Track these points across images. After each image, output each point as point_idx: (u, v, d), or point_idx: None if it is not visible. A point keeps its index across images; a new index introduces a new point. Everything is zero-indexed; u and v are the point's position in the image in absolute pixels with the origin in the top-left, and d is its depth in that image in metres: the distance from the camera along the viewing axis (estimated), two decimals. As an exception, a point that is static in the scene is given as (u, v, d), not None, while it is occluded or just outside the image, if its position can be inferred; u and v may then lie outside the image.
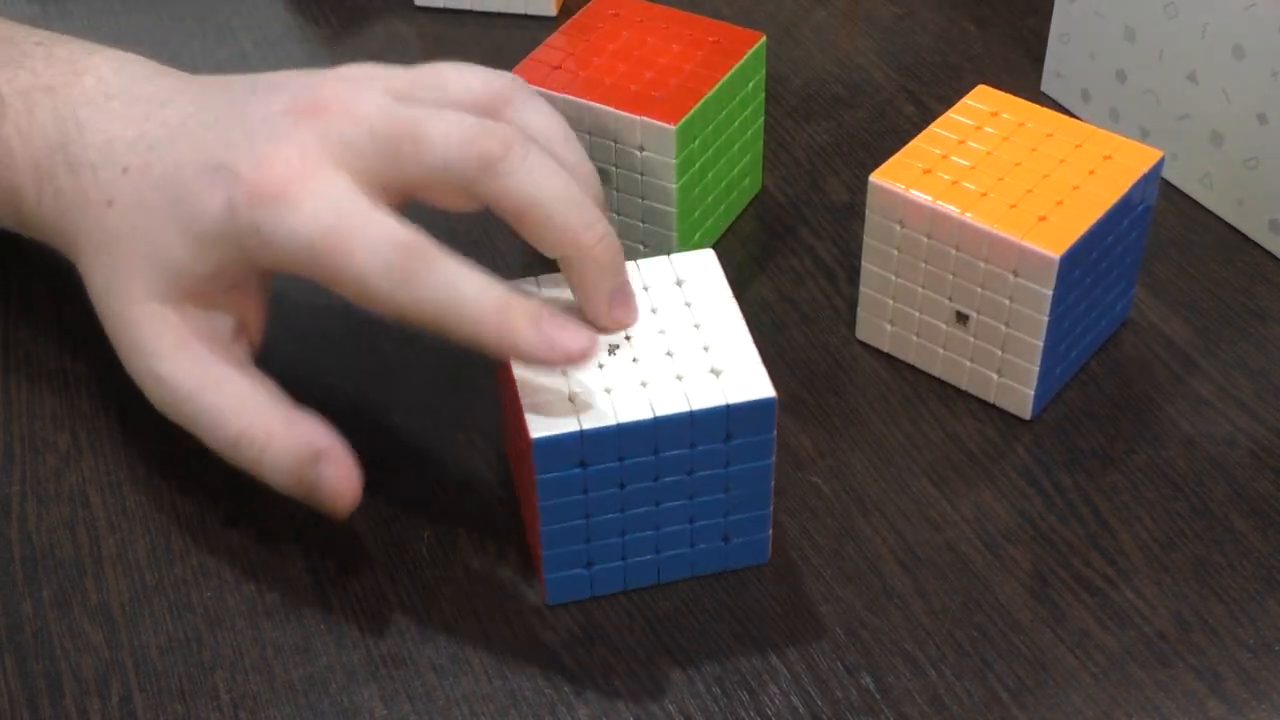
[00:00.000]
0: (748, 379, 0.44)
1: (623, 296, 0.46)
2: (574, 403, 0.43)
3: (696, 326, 0.45)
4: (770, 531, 0.47)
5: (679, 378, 0.44)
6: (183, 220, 0.45)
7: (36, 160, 0.49)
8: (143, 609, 0.46)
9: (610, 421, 0.43)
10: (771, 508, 0.46)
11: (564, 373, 0.44)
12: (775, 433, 0.44)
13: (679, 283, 0.47)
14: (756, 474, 0.45)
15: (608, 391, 0.43)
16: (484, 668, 0.45)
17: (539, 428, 0.42)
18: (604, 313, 0.45)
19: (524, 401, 0.43)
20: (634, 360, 0.44)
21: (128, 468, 0.50)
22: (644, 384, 0.44)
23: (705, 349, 0.45)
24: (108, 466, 0.51)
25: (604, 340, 0.45)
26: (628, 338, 0.45)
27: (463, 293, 0.43)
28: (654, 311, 0.46)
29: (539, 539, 0.45)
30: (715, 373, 0.44)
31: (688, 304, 0.46)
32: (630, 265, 0.47)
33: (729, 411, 0.43)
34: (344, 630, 0.46)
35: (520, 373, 0.44)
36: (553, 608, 0.46)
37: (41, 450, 0.51)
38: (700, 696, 0.44)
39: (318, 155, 0.44)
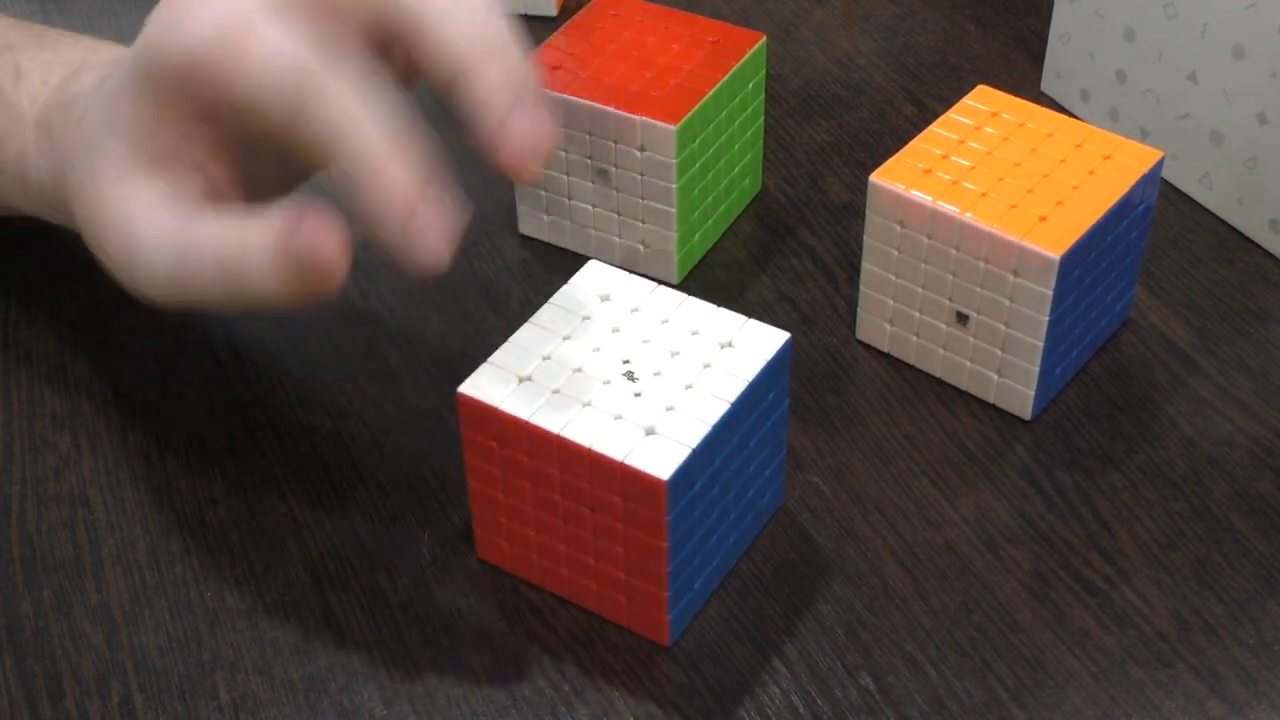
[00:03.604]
0: (758, 341, 0.44)
1: (529, 107, 0.39)
2: (652, 432, 0.41)
3: (687, 387, 0.43)
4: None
5: (706, 365, 0.43)
6: (125, 75, 0.43)
7: (41, 119, 0.48)
8: (143, 609, 0.46)
9: (705, 426, 0.41)
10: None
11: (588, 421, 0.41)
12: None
13: (728, 344, 0.44)
14: (780, 421, 0.46)
15: (648, 409, 0.42)
16: (484, 668, 0.45)
17: (657, 468, 0.40)
18: (500, 120, 0.39)
19: (599, 450, 0.40)
20: (637, 395, 0.42)
21: (128, 468, 0.50)
22: (688, 387, 0.43)
23: (687, 388, 0.43)
24: (108, 466, 0.51)
25: (608, 363, 0.43)
26: (632, 377, 0.43)
27: (349, 133, 0.38)
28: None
29: (658, 584, 0.42)
30: (727, 346, 0.44)
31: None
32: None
33: (769, 368, 0.43)
34: (344, 630, 0.46)
35: (558, 429, 0.41)
36: (553, 607, 0.46)
37: (41, 450, 0.51)
38: (701, 696, 0.44)
39: None
